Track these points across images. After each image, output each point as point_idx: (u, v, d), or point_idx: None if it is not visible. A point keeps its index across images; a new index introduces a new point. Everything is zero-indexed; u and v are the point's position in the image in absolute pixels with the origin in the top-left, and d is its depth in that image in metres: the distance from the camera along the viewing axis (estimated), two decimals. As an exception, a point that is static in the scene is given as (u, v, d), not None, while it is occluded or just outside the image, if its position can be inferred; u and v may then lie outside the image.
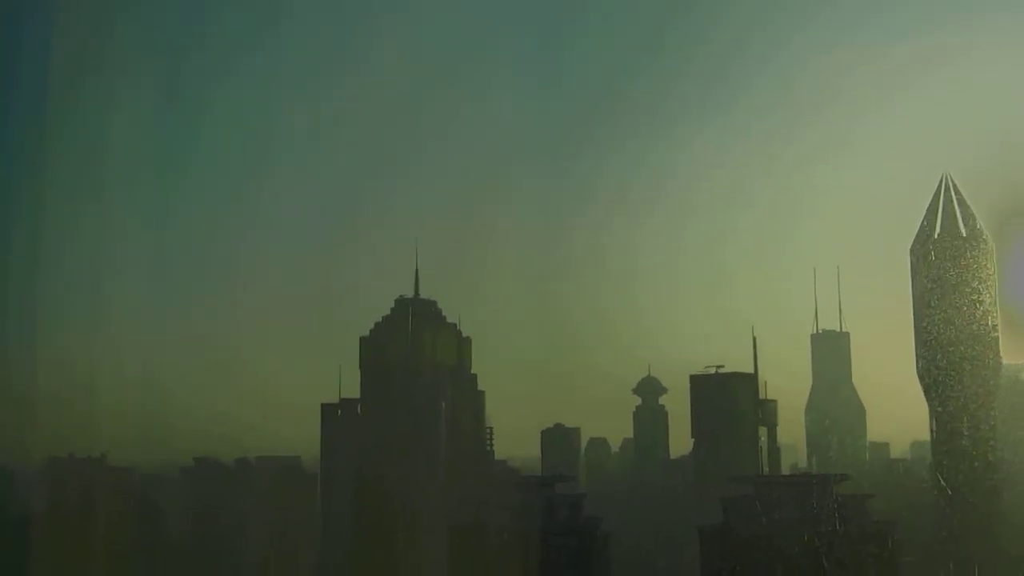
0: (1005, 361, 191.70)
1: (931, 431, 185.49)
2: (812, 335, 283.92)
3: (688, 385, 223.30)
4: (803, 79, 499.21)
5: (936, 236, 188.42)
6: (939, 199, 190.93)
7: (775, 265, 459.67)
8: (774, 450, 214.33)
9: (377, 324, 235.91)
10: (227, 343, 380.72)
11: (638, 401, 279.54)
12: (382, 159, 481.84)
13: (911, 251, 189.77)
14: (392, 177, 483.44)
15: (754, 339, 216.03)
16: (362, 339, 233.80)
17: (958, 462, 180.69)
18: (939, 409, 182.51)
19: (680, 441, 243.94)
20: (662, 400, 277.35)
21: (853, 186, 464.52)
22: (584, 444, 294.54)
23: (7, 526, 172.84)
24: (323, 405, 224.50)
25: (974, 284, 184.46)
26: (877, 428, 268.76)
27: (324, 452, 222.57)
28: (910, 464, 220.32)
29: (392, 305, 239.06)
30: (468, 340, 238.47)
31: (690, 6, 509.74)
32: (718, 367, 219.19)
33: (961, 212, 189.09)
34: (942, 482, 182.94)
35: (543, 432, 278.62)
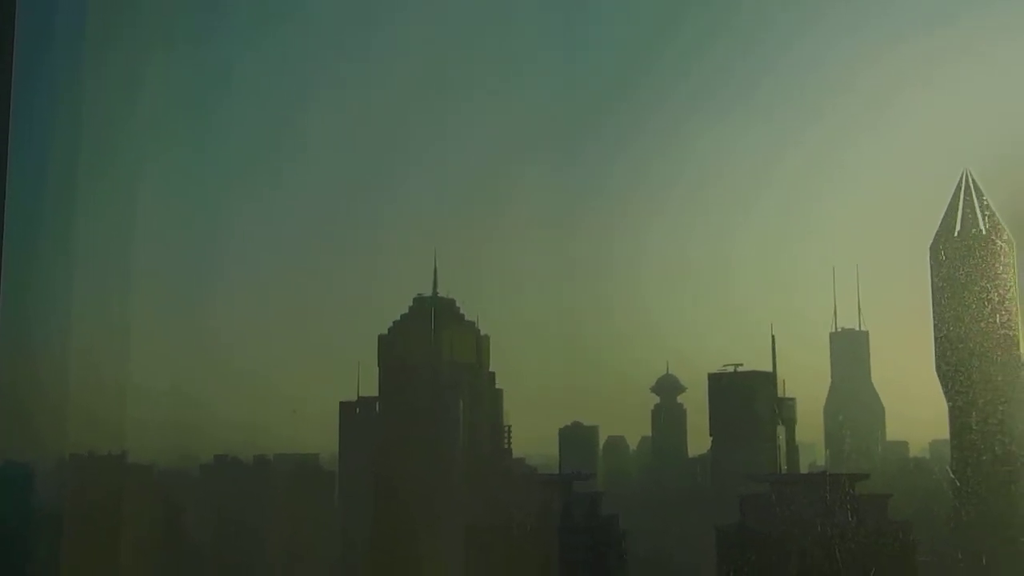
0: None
1: (951, 431, 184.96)
2: (831, 334, 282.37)
3: (706, 384, 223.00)
4: (817, 73, 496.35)
5: (956, 234, 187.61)
6: (959, 196, 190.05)
7: (793, 263, 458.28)
8: (792, 449, 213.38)
9: (395, 322, 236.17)
10: (246, 341, 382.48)
11: (656, 400, 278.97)
12: (399, 158, 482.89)
13: (931, 249, 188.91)
14: (409, 176, 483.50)
15: (772, 337, 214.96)
16: (380, 337, 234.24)
17: (977, 462, 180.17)
18: (958, 409, 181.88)
19: (698, 440, 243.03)
20: (680, 399, 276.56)
21: (872, 183, 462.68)
22: (602, 443, 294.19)
23: (27, 522, 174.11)
24: (342, 403, 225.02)
25: (994, 284, 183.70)
26: (896, 427, 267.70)
27: (342, 450, 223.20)
28: (928, 463, 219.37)
29: (411, 303, 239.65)
30: (486, 338, 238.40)
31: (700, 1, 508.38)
32: (736, 366, 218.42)
33: (981, 210, 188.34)
34: (957, 482, 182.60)
35: (561, 431, 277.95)
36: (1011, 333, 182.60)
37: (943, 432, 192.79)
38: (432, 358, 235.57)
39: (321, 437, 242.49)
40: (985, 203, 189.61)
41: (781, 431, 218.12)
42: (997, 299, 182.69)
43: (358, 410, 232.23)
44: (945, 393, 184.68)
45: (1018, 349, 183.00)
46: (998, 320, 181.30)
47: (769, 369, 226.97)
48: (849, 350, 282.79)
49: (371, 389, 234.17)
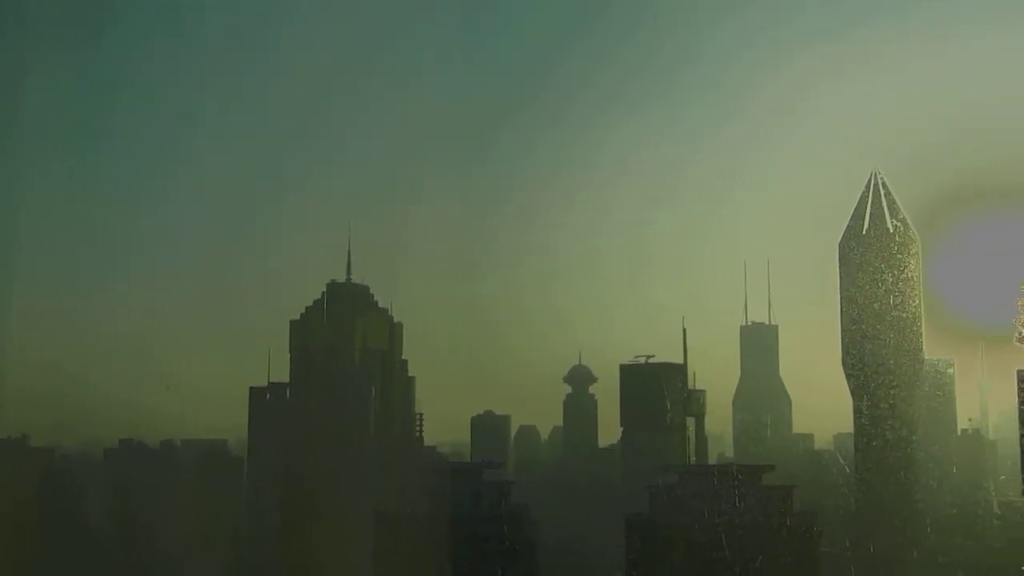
0: (928, 356, 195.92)
1: (854, 423, 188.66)
2: (741, 327, 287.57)
3: (618, 374, 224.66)
4: (734, 71, 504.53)
5: (864, 232, 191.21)
6: (867, 196, 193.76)
7: (705, 258, 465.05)
8: (702, 440, 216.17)
9: (308, 308, 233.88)
10: (157, 326, 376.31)
11: (568, 390, 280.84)
12: (313, 146, 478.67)
13: (840, 246, 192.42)
14: (324, 163, 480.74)
15: (684, 330, 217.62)
16: (292, 323, 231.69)
17: (879, 454, 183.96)
18: (862, 402, 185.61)
19: (609, 430, 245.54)
20: (592, 389, 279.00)
21: (783, 181, 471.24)
22: (514, 432, 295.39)
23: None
24: (251, 388, 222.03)
25: (900, 280, 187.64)
26: (802, 419, 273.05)
27: (252, 436, 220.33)
28: (833, 455, 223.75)
29: (323, 289, 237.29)
30: (400, 326, 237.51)
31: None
32: (648, 357, 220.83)
33: (889, 209, 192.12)
34: (847, 468, 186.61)
35: (473, 419, 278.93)
36: (916, 328, 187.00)
37: (848, 425, 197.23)
38: (344, 344, 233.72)
39: (230, 422, 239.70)
40: (893, 202, 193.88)
41: (691, 422, 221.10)
42: (901, 292, 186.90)
43: (268, 396, 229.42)
44: (848, 381, 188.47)
45: (919, 339, 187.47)
46: (904, 313, 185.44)
47: (680, 361, 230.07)
48: (759, 343, 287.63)
49: (282, 375, 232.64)
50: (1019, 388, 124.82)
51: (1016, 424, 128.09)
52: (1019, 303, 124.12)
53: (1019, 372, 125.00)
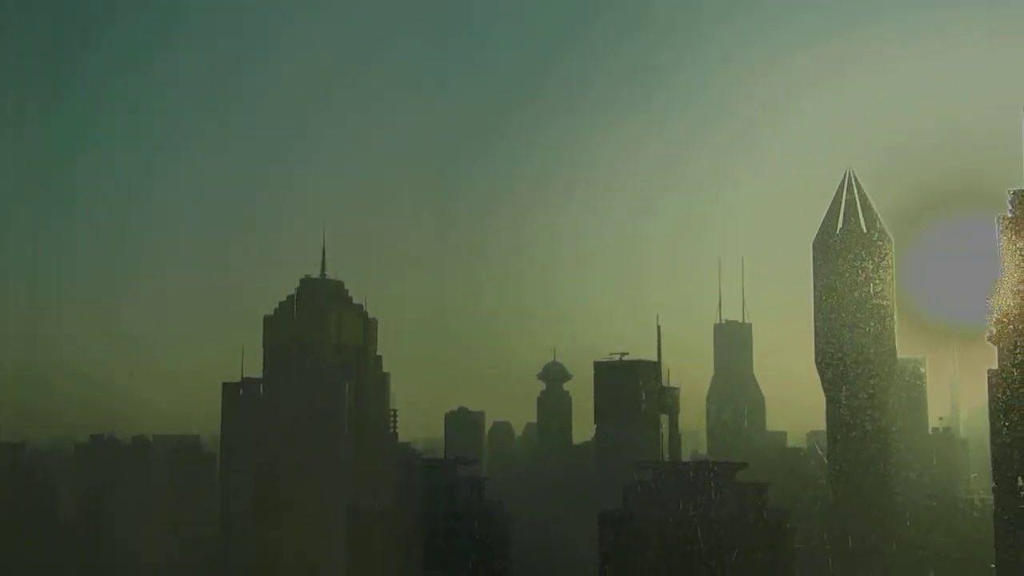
0: (900, 355, 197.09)
1: (827, 421, 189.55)
2: (715, 325, 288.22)
3: (592, 371, 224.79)
4: (721, 77, 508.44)
5: (837, 231, 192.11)
6: (841, 195, 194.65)
7: (682, 256, 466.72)
8: (675, 437, 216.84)
9: (281, 303, 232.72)
10: (131, 322, 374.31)
11: (542, 386, 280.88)
12: (289, 141, 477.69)
13: (813, 245, 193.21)
14: (301, 159, 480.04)
15: (658, 327, 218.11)
16: (266, 318, 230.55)
17: (851, 452, 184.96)
18: (835, 400, 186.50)
19: (583, 427, 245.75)
20: (566, 386, 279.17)
21: (761, 181, 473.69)
22: (488, 428, 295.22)
23: None
24: (224, 384, 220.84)
25: (873, 279, 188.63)
26: (775, 417, 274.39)
27: (224, 432, 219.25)
28: (806, 453, 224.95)
29: (298, 284, 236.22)
30: (374, 321, 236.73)
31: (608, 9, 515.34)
32: (622, 354, 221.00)
33: (862, 209, 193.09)
34: (826, 459, 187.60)
35: (447, 415, 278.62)
36: (889, 324, 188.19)
37: (820, 423, 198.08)
38: (318, 340, 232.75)
39: (203, 418, 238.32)
40: (866, 201, 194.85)
41: (665, 419, 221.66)
42: (874, 290, 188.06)
43: (241, 391, 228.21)
44: (822, 379, 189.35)
45: (892, 336, 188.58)
46: (878, 308, 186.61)
47: (654, 358, 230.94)
48: (733, 341, 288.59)
49: (256, 370, 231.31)
50: (989, 387, 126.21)
51: (986, 422, 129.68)
52: (991, 302, 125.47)
53: (990, 371, 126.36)
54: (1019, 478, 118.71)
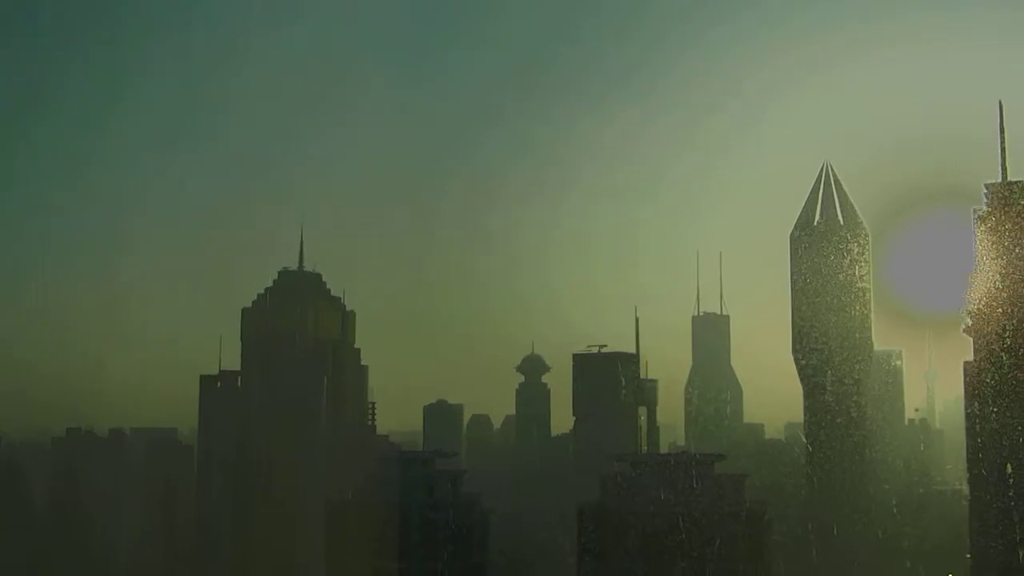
0: (877, 346, 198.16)
1: (805, 413, 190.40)
2: (693, 317, 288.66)
3: (571, 364, 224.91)
4: (714, 73, 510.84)
5: (815, 224, 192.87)
6: (819, 188, 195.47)
7: (661, 248, 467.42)
8: (653, 429, 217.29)
9: (260, 296, 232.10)
10: (108, 313, 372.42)
11: (521, 379, 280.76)
12: (271, 134, 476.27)
13: (790, 238, 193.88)
14: (281, 152, 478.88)
15: (636, 319, 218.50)
16: (244, 311, 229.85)
17: (829, 444, 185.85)
18: (813, 391, 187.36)
19: (562, 419, 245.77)
20: (545, 378, 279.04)
21: (739, 174, 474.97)
22: (467, 420, 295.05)
23: None
24: (202, 377, 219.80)
25: (850, 272, 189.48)
26: (753, 409, 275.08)
27: (202, 425, 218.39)
28: (784, 445, 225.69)
29: (275, 276, 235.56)
30: (352, 314, 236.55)
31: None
32: (601, 346, 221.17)
33: (840, 201, 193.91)
34: (809, 447, 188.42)
35: (426, 408, 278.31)
36: (866, 315, 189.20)
37: (798, 415, 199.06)
38: (296, 332, 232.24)
39: (180, 411, 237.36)
40: (844, 194, 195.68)
41: (643, 411, 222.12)
42: (851, 282, 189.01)
43: (219, 384, 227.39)
44: (799, 371, 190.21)
45: (869, 327, 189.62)
46: (854, 300, 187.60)
47: (633, 350, 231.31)
48: (711, 333, 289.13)
49: (233, 363, 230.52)
50: (965, 379, 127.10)
51: (962, 413, 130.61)
52: (966, 295, 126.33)
53: (965, 363, 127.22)
54: (995, 468, 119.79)
